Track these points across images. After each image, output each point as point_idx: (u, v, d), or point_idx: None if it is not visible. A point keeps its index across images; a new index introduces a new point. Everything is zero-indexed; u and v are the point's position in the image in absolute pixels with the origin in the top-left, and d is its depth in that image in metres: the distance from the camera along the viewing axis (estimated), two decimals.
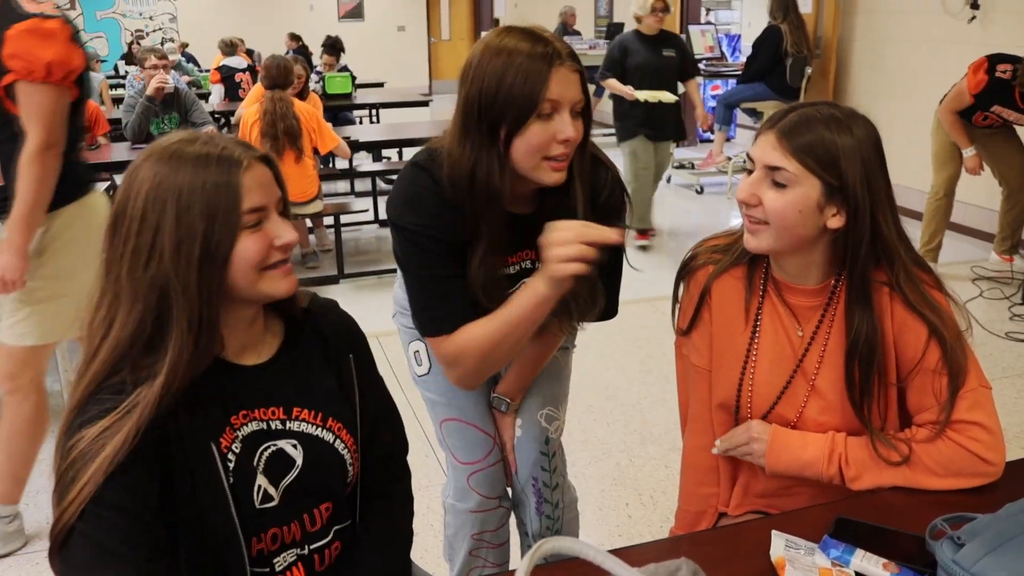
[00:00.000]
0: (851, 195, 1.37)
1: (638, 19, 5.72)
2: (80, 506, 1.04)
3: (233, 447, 1.21)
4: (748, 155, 1.43)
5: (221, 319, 1.18)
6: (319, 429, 1.31)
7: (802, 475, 1.46)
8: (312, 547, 1.32)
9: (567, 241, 1.40)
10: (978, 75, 4.67)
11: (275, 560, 1.27)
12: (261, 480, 1.24)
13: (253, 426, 1.25)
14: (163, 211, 1.12)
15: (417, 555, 1.54)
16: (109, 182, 4.43)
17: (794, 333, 1.50)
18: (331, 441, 1.32)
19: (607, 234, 1.40)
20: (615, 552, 1.07)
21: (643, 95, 5.62)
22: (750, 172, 1.43)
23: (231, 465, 1.21)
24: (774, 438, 1.47)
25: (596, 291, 1.64)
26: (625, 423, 3.51)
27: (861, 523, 1.29)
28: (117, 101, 8.61)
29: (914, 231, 4.58)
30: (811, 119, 1.37)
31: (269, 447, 1.26)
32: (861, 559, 1.18)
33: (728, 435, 1.54)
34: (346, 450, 1.33)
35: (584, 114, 1.50)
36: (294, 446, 1.28)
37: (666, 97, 5.68)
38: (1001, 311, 4.65)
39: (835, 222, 1.39)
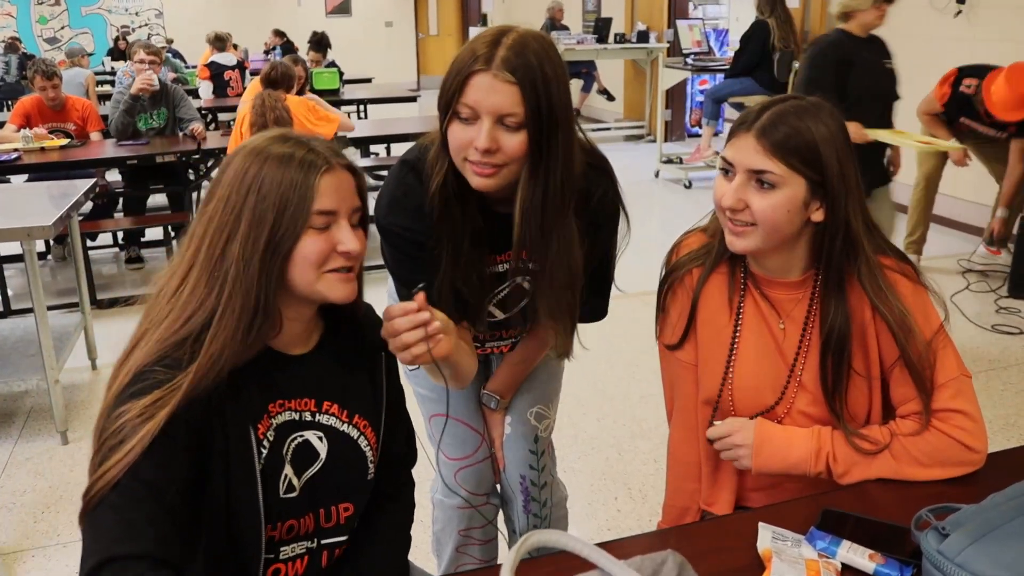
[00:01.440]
0: (830, 188, 1.38)
1: (847, 15, 3.90)
2: (117, 475, 1.07)
3: (268, 435, 1.25)
4: (724, 158, 1.42)
5: (280, 310, 1.24)
6: (345, 425, 1.34)
7: (789, 474, 1.46)
8: (323, 542, 1.34)
9: (395, 332, 1.31)
10: (943, 88, 4.62)
11: (283, 548, 1.30)
12: (288, 469, 1.27)
13: (287, 415, 1.28)
14: (245, 197, 1.19)
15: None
16: (94, 180, 4.41)
17: (776, 327, 1.50)
18: (355, 437, 1.35)
19: (412, 310, 1.31)
20: (602, 545, 1.08)
21: (913, 142, 4.15)
22: (726, 173, 1.41)
23: (264, 452, 1.24)
24: (759, 440, 1.46)
25: (574, 309, 1.62)
26: (615, 418, 3.51)
27: (847, 515, 1.30)
28: (104, 98, 8.57)
29: (900, 224, 4.60)
30: (785, 115, 1.36)
31: (297, 438, 1.29)
32: (847, 550, 1.19)
33: (716, 428, 1.51)
34: (368, 447, 1.36)
35: (529, 128, 1.38)
36: (320, 439, 1.31)
37: (945, 145, 4.42)
38: (987, 304, 4.68)
39: (817, 215, 1.40)
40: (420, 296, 1.31)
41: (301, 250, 1.20)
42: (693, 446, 1.61)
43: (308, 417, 1.30)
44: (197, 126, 5.59)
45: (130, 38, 12.93)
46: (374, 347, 1.40)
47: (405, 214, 1.54)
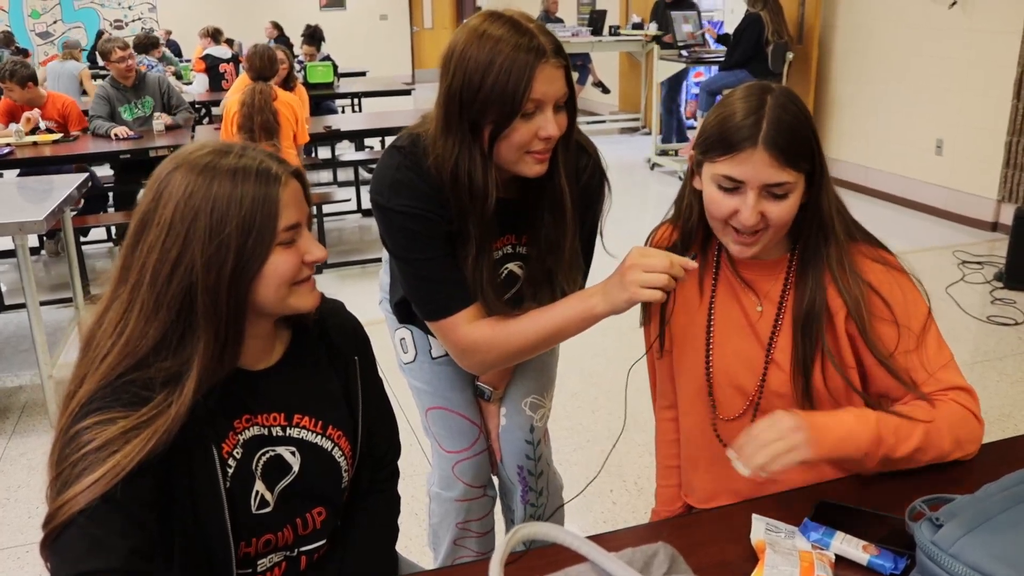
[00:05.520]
0: (816, 172, 1.38)
1: None
2: (86, 502, 1.02)
3: (235, 452, 1.21)
4: (729, 177, 1.34)
5: (245, 331, 1.18)
6: (319, 437, 1.30)
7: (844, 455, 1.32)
8: (301, 549, 1.32)
9: (656, 269, 1.36)
10: None
11: (260, 562, 1.28)
12: (259, 485, 1.23)
13: (254, 431, 1.24)
14: (194, 222, 1.11)
15: (402, 544, 1.54)
16: (87, 174, 4.40)
17: (753, 308, 1.49)
18: (329, 449, 1.32)
19: (689, 265, 1.38)
20: (594, 538, 1.07)
21: None
22: (728, 191, 1.36)
23: (230, 471, 1.20)
24: (814, 431, 1.28)
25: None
26: (610, 410, 3.51)
27: (842, 506, 1.30)
28: None
29: (895, 215, 4.59)
30: (781, 119, 1.32)
31: (268, 452, 1.25)
32: (841, 541, 1.18)
33: (751, 439, 1.27)
34: (343, 458, 1.33)
35: (568, 106, 1.48)
36: (292, 453, 1.28)
37: None
38: (983, 295, 4.68)
39: (803, 199, 1.39)
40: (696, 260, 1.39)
41: (271, 269, 1.16)
42: (677, 424, 1.63)
43: (278, 432, 1.27)
44: (186, 115, 5.59)
45: (122, 32, 12.88)
46: (346, 351, 1.38)
47: (409, 193, 1.52)
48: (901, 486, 1.37)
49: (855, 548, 1.18)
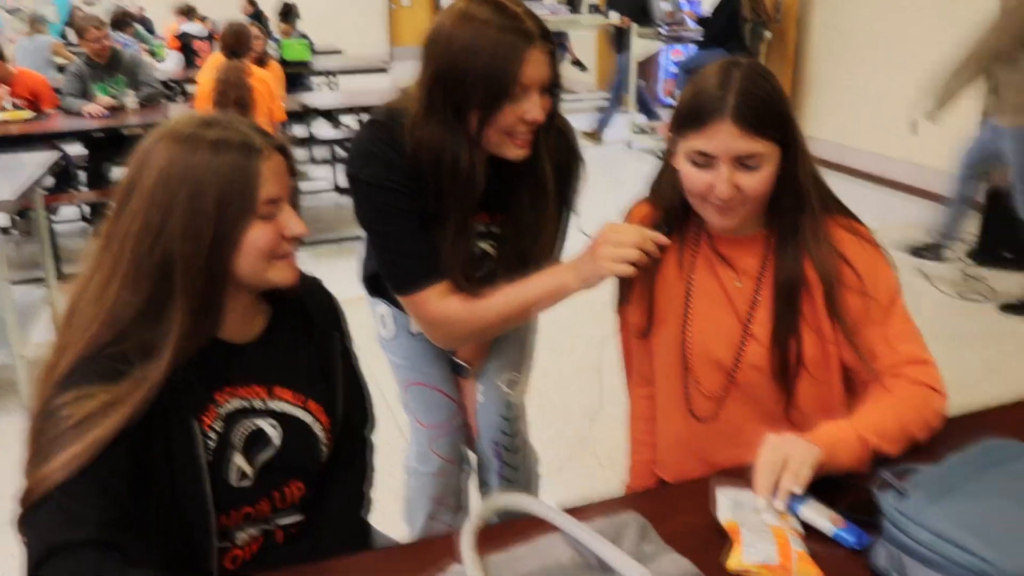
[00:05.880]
0: (790, 143, 1.38)
1: None
2: (63, 477, 1.02)
3: (215, 425, 1.21)
4: (701, 152, 1.35)
5: (224, 303, 1.19)
6: (299, 410, 1.31)
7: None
8: (278, 523, 1.33)
9: (627, 244, 1.37)
10: None
11: (238, 535, 1.28)
12: (239, 459, 1.24)
13: (236, 403, 1.25)
14: (176, 192, 1.11)
15: (377, 521, 1.55)
16: (59, 152, 4.34)
17: (731, 283, 1.50)
18: (309, 422, 1.33)
19: (661, 240, 1.39)
20: (566, 510, 1.08)
21: None
22: (702, 166, 1.36)
23: (211, 444, 1.21)
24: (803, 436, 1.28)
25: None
26: (582, 386, 3.53)
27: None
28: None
29: (871, 193, 4.62)
30: (749, 91, 1.33)
31: (248, 425, 1.26)
32: (810, 509, 1.19)
33: (763, 473, 1.21)
34: (322, 431, 1.34)
35: (552, 90, 1.47)
36: (273, 426, 1.28)
37: None
38: (954, 272, 4.73)
39: (780, 171, 1.40)
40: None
41: (251, 241, 1.16)
42: (652, 400, 1.65)
43: (259, 404, 1.28)
44: (157, 91, 5.52)
45: (93, 9, 12.67)
46: (324, 327, 1.38)
47: (383, 165, 1.52)
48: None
49: (823, 518, 1.18)
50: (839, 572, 1.13)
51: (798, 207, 1.42)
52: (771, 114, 1.34)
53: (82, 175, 5.97)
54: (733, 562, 1.11)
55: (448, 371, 1.92)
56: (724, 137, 1.33)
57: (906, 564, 1.07)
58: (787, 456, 1.20)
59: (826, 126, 6.97)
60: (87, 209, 5.90)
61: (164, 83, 7.31)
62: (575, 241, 1.71)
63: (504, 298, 1.53)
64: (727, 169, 1.34)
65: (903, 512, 1.08)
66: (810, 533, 1.18)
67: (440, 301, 1.55)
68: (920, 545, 1.04)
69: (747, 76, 1.34)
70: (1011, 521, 1.04)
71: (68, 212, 6.06)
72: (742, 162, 1.34)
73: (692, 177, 1.38)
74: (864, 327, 1.41)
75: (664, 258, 1.52)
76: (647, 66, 9.39)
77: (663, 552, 0.83)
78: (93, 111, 5.40)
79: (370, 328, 1.92)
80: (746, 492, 1.22)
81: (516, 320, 1.57)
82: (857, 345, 1.40)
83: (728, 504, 1.21)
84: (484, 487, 2.07)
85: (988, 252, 4.76)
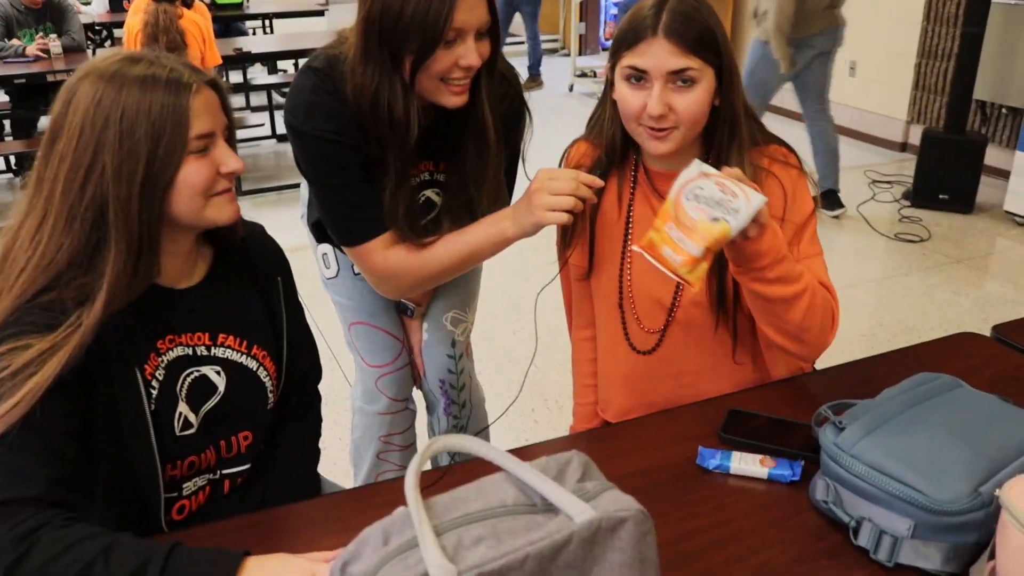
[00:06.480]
0: (726, 71, 1.39)
1: None
2: (4, 428, 1.00)
3: (157, 374, 1.19)
4: (634, 67, 1.37)
5: (161, 245, 1.16)
6: (243, 356, 1.30)
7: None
8: (224, 472, 1.32)
9: (562, 192, 1.37)
10: None
11: (184, 485, 1.27)
12: (182, 407, 1.22)
13: (178, 351, 1.23)
14: (104, 130, 1.08)
15: (324, 468, 1.55)
16: None
17: None
18: (254, 369, 1.31)
19: (595, 183, 1.39)
20: (512, 451, 1.08)
21: None
22: (636, 81, 1.37)
23: (154, 393, 1.19)
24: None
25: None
26: (529, 331, 3.54)
27: (752, 414, 1.34)
28: None
29: (806, 136, 4.66)
30: (682, 10, 1.35)
31: (192, 373, 1.24)
32: (739, 461, 1.23)
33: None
34: (268, 378, 1.33)
35: (491, 33, 1.45)
36: (217, 372, 1.27)
37: None
38: (892, 213, 4.83)
39: (715, 101, 1.41)
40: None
41: (186, 179, 1.13)
42: (594, 343, 1.66)
43: (203, 351, 1.26)
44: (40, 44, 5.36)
45: None
46: (268, 272, 1.37)
47: (326, 117, 1.49)
48: (806, 394, 1.43)
49: (753, 465, 1.22)
50: (781, 507, 1.17)
51: (730, 136, 1.43)
52: (703, 32, 1.36)
53: (7, 125, 5.76)
54: (645, 242, 1.19)
55: (393, 311, 1.91)
56: (656, 51, 1.34)
57: (843, 496, 1.10)
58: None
59: None
60: (13, 161, 5.69)
61: (90, 27, 7.05)
62: (523, 188, 1.70)
63: (445, 247, 1.54)
64: (659, 86, 1.35)
65: (839, 445, 1.11)
66: (749, 480, 1.22)
67: (384, 252, 1.54)
68: (856, 477, 1.07)
69: (681, 1, 1.36)
70: (943, 452, 1.07)
71: None
72: (675, 78, 1.35)
73: (627, 98, 1.39)
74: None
75: (603, 198, 1.53)
76: (588, 9, 9.32)
77: (605, 489, 0.83)
78: (32, 52, 5.22)
79: (312, 277, 1.90)
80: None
81: (459, 269, 1.58)
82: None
83: (693, 185, 1.22)
84: (431, 426, 2.08)
85: (924, 194, 4.86)
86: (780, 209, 1.42)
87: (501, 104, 1.59)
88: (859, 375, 1.50)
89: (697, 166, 1.22)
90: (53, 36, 5.49)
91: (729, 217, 1.17)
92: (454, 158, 1.60)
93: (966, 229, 4.63)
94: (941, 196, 4.82)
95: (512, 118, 1.64)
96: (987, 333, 1.65)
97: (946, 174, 4.80)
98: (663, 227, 1.20)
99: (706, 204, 1.18)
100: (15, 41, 5.32)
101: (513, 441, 2.78)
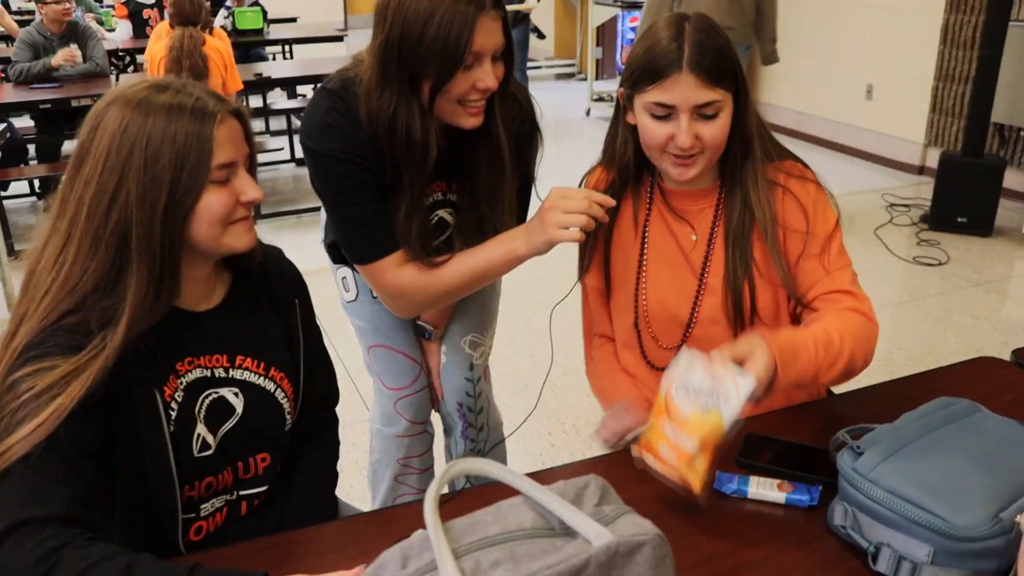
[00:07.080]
0: (742, 93, 1.41)
1: None
2: (27, 449, 1.01)
3: (176, 396, 1.21)
4: (660, 104, 1.37)
5: (181, 269, 1.18)
6: (261, 378, 1.31)
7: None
8: (241, 493, 1.32)
9: (574, 210, 1.39)
10: None
11: (202, 506, 1.28)
12: (201, 428, 1.23)
13: (197, 373, 1.24)
14: (129, 156, 1.10)
15: (342, 492, 1.55)
16: (5, 124, 4.23)
17: (687, 239, 1.52)
18: (272, 390, 1.32)
19: (607, 202, 1.41)
20: (529, 475, 1.09)
21: None
22: (661, 118, 1.38)
23: (173, 414, 1.20)
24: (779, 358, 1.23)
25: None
26: (547, 355, 3.54)
27: (769, 439, 1.34)
28: (5, 38, 8.17)
29: (826, 159, 4.66)
30: (702, 42, 1.35)
31: (211, 394, 1.25)
32: (757, 486, 1.22)
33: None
34: (285, 399, 1.34)
35: (505, 56, 1.48)
36: (236, 394, 1.28)
37: None
38: (909, 237, 4.81)
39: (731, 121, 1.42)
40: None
41: (205, 207, 1.15)
42: (615, 357, 1.66)
43: (221, 373, 1.27)
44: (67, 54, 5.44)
45: None
46: (286, 295, 1.38)
47: (340, 138, 1.51)
48: (824, 418, 1.42)
49: (771, 489, 1.22)
50: (799, 533, 1.16)
51: (744, 154, 1.45)
52: (724, 62, 1.37)
53: (32, 150, 5.84)
54: (643, 442, 1.18)
55: (412, 334, 1.92)
56: (683, 88, 1.35)
57: (861, 521, 1.09)
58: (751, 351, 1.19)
59: (781, 93, 6.99)
60: (37, 184, 5.76)
61: (113, 53, 7.14)
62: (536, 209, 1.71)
63: (457, 266, 1.55)
64: (687, 119, 1.37)
65: (858, 470, 1.10)
66: (768, 505, 1.21)
67: (396, 271, 1.56)
68: (874, 502, 1.07)
69: (698, 27, 1.37)
70: (962, 478, 1.06)
71: (18, 187, 5.92)
72: (701, 112, 1.37)
73: (652, 130, 1.40)
74: (803, 260, 1.45)
75: (619, 218, 1.54)
76: (604, 33, 9.37)
77: (623, 513, 0.84)
78: (56, 63, 5.30)
79: (330, 300, 1.91)
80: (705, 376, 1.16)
81: (470, 287, 1.59)
82: (795, 277, 1.44)
83: (683, 377, 1.17)
84: (449, 449, 2.09)
85: (941, 217, 4.84)
86: (802, 223, 1.44)
87: (513, 124, 1.61)
88: (877, 399, 1.49)
89: (687, 357, 1.18)
90: (74, 46, 5.57)
91: (720, 404, 1.13)
92: (467, 178, 1.62)
93: (985, 252, 4.60)
94: (959, 219, 4.79)
95: (524, 138, 1.66)
96: (1006, 357, 1.64)
97: (964, 197, 4.78)
98: (657, 422, 1.18)
99: (696, 395, 1.15)
100: (39, 64, 5.41)
101: (530, 465, 2.77)
